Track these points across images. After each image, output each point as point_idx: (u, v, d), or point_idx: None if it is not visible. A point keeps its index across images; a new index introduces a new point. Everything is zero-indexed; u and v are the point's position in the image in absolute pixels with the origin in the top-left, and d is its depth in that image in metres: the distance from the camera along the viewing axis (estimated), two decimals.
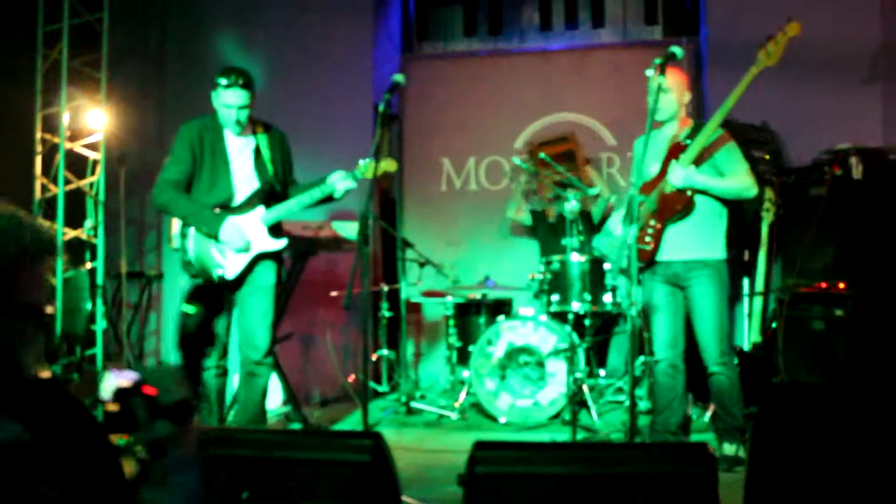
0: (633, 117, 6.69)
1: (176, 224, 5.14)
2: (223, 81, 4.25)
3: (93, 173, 5.73)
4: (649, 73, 3.92)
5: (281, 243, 4.42)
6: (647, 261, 4.31)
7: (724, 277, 4.23)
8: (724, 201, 4.25)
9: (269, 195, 4.42)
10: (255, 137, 4.43)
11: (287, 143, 4.60)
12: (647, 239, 4.27)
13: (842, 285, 4.79)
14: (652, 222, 4.26)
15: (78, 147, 5.73)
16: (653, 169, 4.31)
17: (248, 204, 4.37)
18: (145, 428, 1.58)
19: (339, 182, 4.37)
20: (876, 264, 4.87)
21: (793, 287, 4.97)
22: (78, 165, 5.74)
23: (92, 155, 5.74)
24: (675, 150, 4.18)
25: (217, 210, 4.31)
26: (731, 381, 4.22)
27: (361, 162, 4.40)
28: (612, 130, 7.05)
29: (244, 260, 4.31)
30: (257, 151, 4.43)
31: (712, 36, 6.47)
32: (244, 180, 4.39)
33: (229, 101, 4.26)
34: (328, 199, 4.49)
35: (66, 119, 5.58)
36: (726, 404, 4.24)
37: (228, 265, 4.29)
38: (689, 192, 4.14)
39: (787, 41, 3.84)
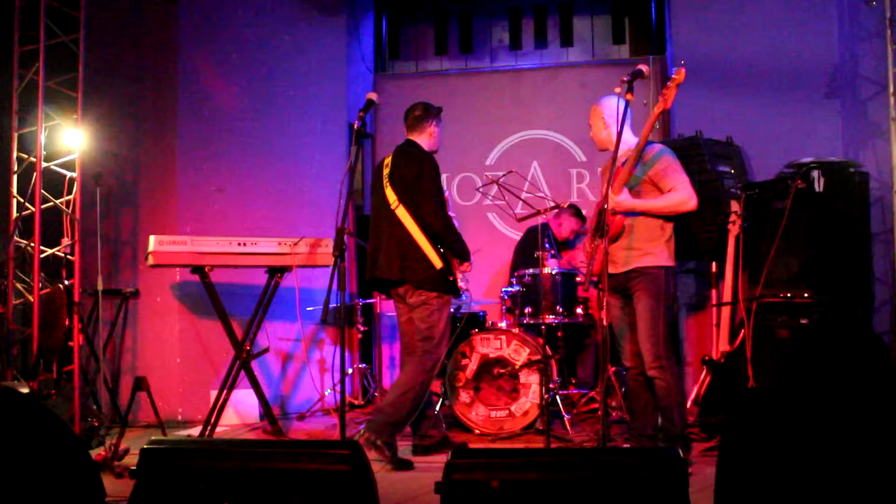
0: None
1: (154, 243, 5.13)
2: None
3: (69, 192, 5.73)
4: (617, 90, 4.01)
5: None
6: (594, 273, 4.36)
7: (661, 284, 4.25)
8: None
9: None
10: None
11: None
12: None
13: (806, 294, 4.93)
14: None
15: (54, 166, 5.73)
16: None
17: None
18: None
19: None
20: (838, 274, 5.02)
21: (759, 297, 5.08)
22: (54, 184, 5.74)
23: (68, 174, 5.74)
24: (617, 175, 4.21)
25: None
26: (667, 387, 4.18)
27: None
28: (581, 147, 7.19)
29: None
30: None
31: (678, 54, 6.62)
32: None
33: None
34: None
35: (42, 138, 5.58)
36: (665, 410, 4.25)
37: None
38: (619, 217, 4.21)
39: (676, 87, 4.00)
